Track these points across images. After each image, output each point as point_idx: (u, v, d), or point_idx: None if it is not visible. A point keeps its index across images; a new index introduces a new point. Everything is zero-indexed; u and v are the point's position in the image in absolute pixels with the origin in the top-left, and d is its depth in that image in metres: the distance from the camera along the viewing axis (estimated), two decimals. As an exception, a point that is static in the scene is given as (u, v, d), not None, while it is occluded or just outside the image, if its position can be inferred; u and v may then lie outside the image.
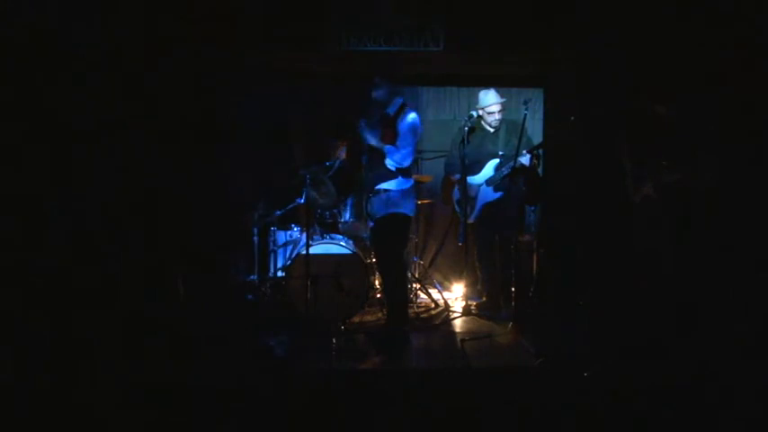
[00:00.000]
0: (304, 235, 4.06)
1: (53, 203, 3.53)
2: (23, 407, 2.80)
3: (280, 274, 4.48)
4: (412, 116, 3.71)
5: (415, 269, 4.99)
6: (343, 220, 4.52)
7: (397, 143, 3.66)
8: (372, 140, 3.70)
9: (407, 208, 3.78)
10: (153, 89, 4.09)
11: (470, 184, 4.58)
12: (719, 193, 3.66)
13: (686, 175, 3.70)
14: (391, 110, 3.75)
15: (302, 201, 4.41)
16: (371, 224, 4.07)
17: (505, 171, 4.45)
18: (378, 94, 3.73)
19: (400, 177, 3.71)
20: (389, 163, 3.68)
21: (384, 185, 3.72)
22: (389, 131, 3.69)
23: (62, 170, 3.56)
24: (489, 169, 4.56)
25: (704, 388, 2.94)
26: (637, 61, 4.21)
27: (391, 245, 3.77)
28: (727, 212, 3.64)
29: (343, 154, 4.47)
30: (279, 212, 4.66)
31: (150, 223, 3.95)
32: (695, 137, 3.80)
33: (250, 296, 4.55)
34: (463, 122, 4.45)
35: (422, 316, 4.58)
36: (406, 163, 3.70)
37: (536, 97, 5.25)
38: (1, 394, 2.83)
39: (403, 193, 3.73)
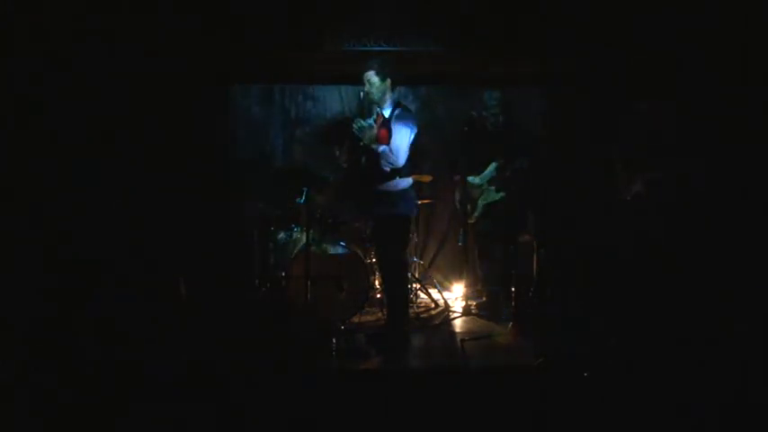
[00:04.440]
0: (304, 235, 4.06)
1: (56, 204, 3.54)
2: (23, 407, 2.80)
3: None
4: (405, 114, 3.65)
5: (415, 269, 4.99)
6: (343, 220, 4.52)
7: (391, 143, 3.62)
8: (367, 140, 3.67)
9: (407, 208, 3.76)
10: (153, 90, 4.10)
11: (472, 184, 4.58)
12: (714, 190, 3.67)
13: (673, 173, 3.72)
14: (386, 109, 3.73)
15: (302, 201, 4.40)
16: (372, 225, 4.07)
17: (508, 172, 4.46)
18: (371, 91, 3.71)
19: (398, 177, 3.68)
20: (384, 163, 3.63)
21: (382, 186, 3.70)
22: (384, 131, 3.65)
23: (67, 172, 3.57)
24: (491, 169, 4.56)
25: (704, 386, 2.94)
26: (635, 61, 4.23)
27: (392, 245, 3.76)
28: (723, 209, 3.66)
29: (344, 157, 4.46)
30: (279, 212, 4.65)
31: (151, 223, 3.95)
32: (684, 134, 3.82)
33: (250, 296, 4.55)
34: (463, 122, 4.45)
35: (422, 316, 4.57)
36: (400, 163, 3.63)
37: (536, 97, 5.26)
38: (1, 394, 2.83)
39: (402, 193, 3.71)
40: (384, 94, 3.70)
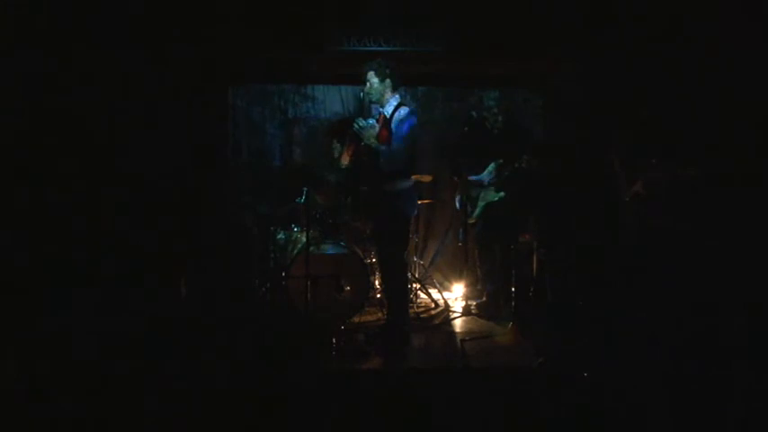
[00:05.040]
0: (304, 235, 4.06)
1: (55, 204, 3.54)
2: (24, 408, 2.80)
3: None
4: (407, 115, 3.64)
5: (415, 269, 4.99)
6: (343, 220, 4.52)
7: (392, 143, 3.61)
8: (368, 140, 3.67)
9: (407, 208, 3.76)
10: (153, 91, 4.10)
11: (472, 184, 4.58)
12: (714, 190, 3.68)
13: (673, 173, 3.73)
14: (387, 109, 3.72)
15: (302, 201, 4.41)
16: (372, 225, 4.07)
17: (507, 172, 4.46)
18: (371, 92, 3.71)
19: (398, 177, 3.68)
20: (383, 163, 3.62)
21: (383, 186, 3.70)
22: (384, 131, 3.64)
23: (67, 173, 3.57)
24: (491, 169, 4.56)
25: (704, 386, 2.94)
26: (634, 62, 4.23)
27: (391, 245, 3.77)
28: (723, 208, 3.66)
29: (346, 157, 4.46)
30: (279, 212, 4.65)
31: (154, 224, 3.96)
32: (684, 135, 3.83)
33: (250, 296, 4.55)
34: (464, 123, 4.46)
35: (422, 316, 4.57)
36: (400, 162, 3.64)
37: (536, 97, 5.27)
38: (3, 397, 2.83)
39: (402, 193, 3.70)
40: (383, 94, 3.70)
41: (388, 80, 3.68)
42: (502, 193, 4.52)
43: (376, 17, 4.59)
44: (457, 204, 4.76)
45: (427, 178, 4.87)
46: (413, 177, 3.82)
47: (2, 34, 3.49)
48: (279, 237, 4.48)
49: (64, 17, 3.68)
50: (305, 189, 4.22)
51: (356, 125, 3.66)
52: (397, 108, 3.67)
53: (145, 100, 4.07)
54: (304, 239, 3.95)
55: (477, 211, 4.61)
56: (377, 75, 3.66)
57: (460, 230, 4.71)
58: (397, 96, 3.73)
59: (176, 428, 2.78)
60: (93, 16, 3.78)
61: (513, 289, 4.16)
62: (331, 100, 5.40)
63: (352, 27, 4.60)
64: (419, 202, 4.39)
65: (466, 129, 4.41)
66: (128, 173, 3.95)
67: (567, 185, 4.55)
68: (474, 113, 4.57)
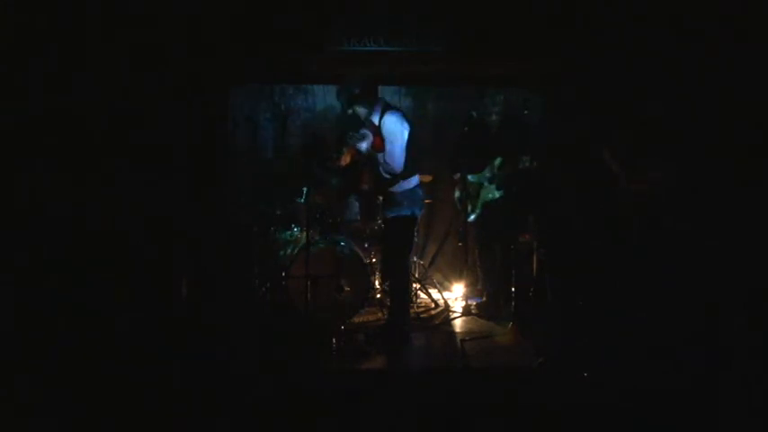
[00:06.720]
0: (304, 235, 4.06)
1: (56, 204, 3.54)
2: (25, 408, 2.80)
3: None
4: (393, 119, 3.66)
5: (415, 269, 4.99)
6: (344, 221, 4.52)
7: (385, 148, 3.63)
8: (364, 148, 3.69)
9: (412, 209, 3.76)
10: (153, 91, 4.09)
11: (472, 183, 4.58)
12: (714, 190, 3.68)
13: (673, 172, 3.73)
14: (375, 116, 3.72)
15: (302, 201, 4.41)
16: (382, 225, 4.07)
17: (507, 172, 4.46)
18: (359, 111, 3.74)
19: (401, 179, 3.69)
20: (381, 170, 3.65)
21: (387, 188, 3.71)
22: (378, 139, 3.66)
23: (67, 172, 3.58)
24: (491, 167, 4.55)
25: (705, 386, 2.94)
26: (634, 62, 4.23)
27: (396, 246, 3.78)
28: (723, 208, 3.66)
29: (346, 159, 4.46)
30: (279, 212, 4.65)
31: (155, 227, 3.96)
32: (684, 134, 3.83)
33: (250, 296, 4.54)
34: (463, 122, 4.46)
35: (422, 316, 4.57)
36: (398, 169, 3.65)
37: (536, 97, 5.26)
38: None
39: (406, 193, 3.71)
40: (365, 114, 3.72)
41: (358, 108, 3.71)
42: (499, 193, 4.52)
43: (376, 17, 4.59)
44: (457, 203, 4.76)
45: (427, 178, 4.86)
46: (416, 177, 3.82)
47: (2, 34, 3.49)
48: (279, 237, 4.47)
49: (64, 17, 3.67)
50: (305, 189, 4.22)
51: (349, 139, 3.69)
52: (384, 113, 3.69)
53: (145, 100, 4.06)
54: (304, 239, 3.94)
55: (477, 211, 4.60)
56: (345, 107, 3.70)
57: (461, 230, 4.71)
58: (383, 101, 3.75)
59: (176, 428, 2.78)
60: (93, 16, 3.77)
61: (513, 289, 4.16)
62: (327, 92, 5.39)
63: (352, 27, 4.59)
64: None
65: (466, 128, 4.41)
66: (128, 173, 3.94)
67: (567, 185, 4.54)
68: (474, 113, 4.57)
